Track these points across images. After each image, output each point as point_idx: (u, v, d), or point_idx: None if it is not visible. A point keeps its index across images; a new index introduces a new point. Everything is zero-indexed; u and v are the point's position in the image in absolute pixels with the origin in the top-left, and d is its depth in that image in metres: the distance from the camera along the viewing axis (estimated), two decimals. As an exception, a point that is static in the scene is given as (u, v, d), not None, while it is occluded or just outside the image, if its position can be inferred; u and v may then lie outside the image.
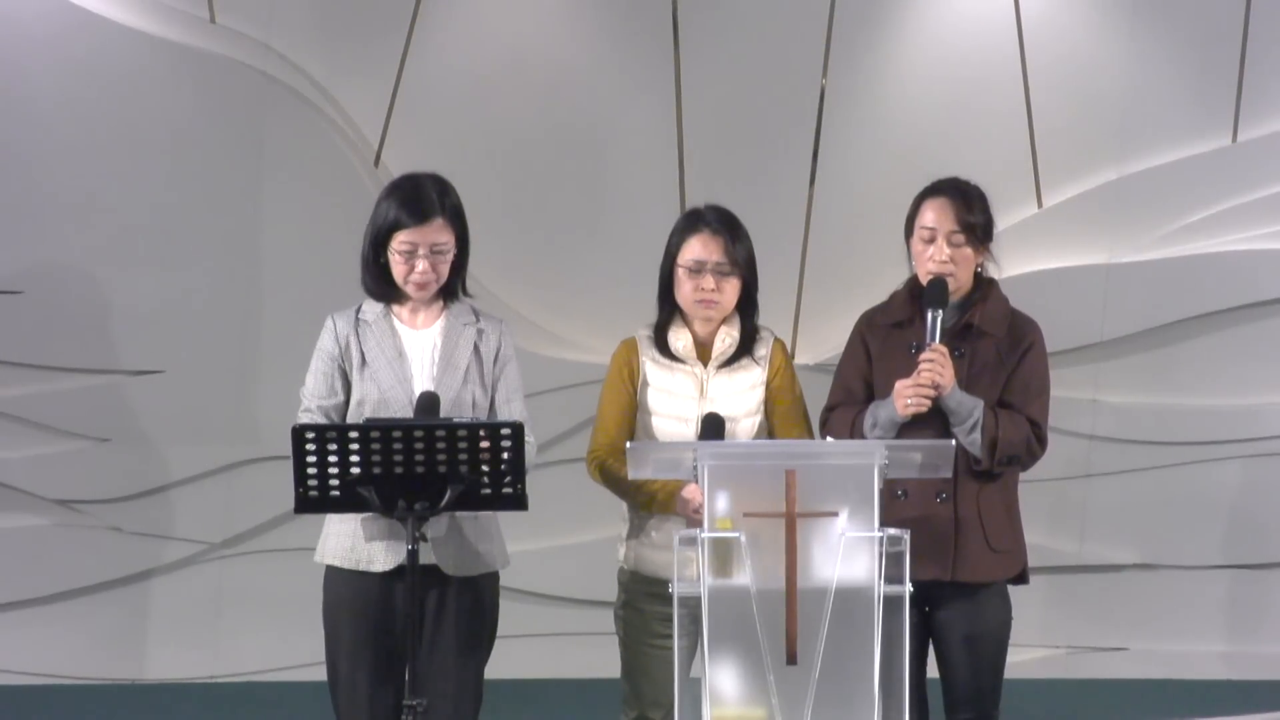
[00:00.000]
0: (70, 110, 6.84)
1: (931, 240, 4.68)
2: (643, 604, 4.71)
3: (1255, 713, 6.87)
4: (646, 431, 4.72)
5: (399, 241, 4.46)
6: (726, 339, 4.73)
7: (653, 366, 4.74)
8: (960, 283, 4.69)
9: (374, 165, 7.05)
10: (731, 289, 4.70)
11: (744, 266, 4.70)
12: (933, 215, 4.69)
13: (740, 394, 4.71)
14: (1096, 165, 7.34)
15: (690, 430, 4.64)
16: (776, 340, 4.80)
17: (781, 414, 4.73)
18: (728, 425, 4.57)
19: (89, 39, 6.83)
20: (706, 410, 4.61)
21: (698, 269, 4.68)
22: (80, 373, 6.94)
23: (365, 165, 7.04)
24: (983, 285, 4.75)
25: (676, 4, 7.19)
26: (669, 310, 4.76)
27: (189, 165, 6.92)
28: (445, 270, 4.50)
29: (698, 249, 4.69)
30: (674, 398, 4.70)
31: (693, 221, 4.74)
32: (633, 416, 4.75)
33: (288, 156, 6.98)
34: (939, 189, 4.74)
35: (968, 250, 4.69)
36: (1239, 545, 7.37)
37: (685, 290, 4.70)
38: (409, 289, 4.49)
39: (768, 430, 4.74)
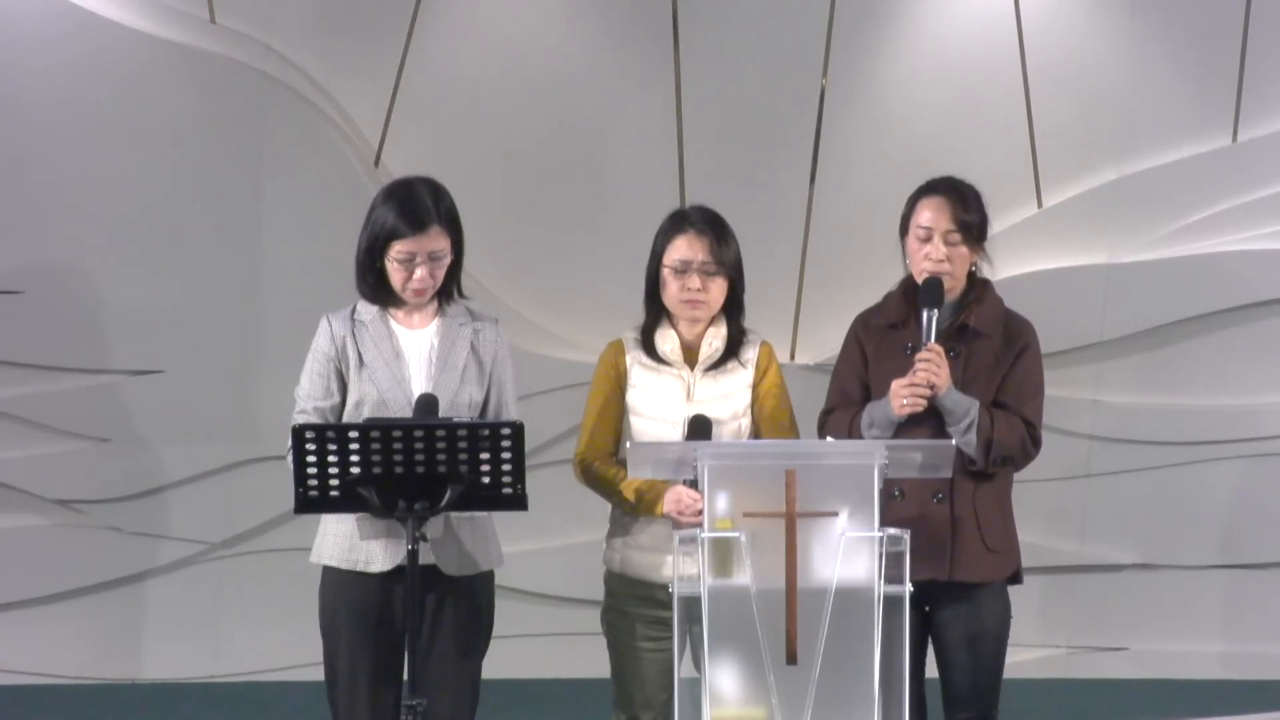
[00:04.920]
0: (70, 110, 6.85)
1: (927, 239, 4.67)
2: (629, 606, 4.70)
3: (1254, 713, 6.87)
4: (632, 434, 4.70)
5: (396, 250, 4.45)
6: (713, 342, 4.71)
7: (639, 369, 4.72)
8: (955, 281, 4.69)
9: (374, 165, 7.05)
10: (718, 289, 4.68)
11: (730, 267, 4.68)
12: (929, 214, 4.68)
13: (726, 397, 4.69)
14: (1096, 165, 7.35)
15: (677, 433, 4.62)
16: (763, 343, 4.78)
17: (767, 417, 4.71)
18: (714, 428, 4.56)
19: (89, 39, 6.83)
20: (693, 413, 4.60)
21: (683, 269, 4.66)
22: (80, 373, 6.94)
23: (365, 165, 7.04)
24: (977, 286, 4.75)
25: (676, 4, 7.19)
26: (656, 312, 4.75)
27: (189, 165, 6.93)
28: (442, 276, 4.50)
29: (683, 249, 4.67)
30: (660, 400, 4.69)
31: (678, 222, 4.72)
32: (618, 419, 4.73)
33: (288, 156, 6.98)
34: (934, 188, 4.73)
35: (963, 249, 4.68)
36: (1238, 545, 7.37)
37: (671, 291, 4.68)
38: (406, 295, 4.49)
39: (753, 433, 4.72)
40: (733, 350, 4.72)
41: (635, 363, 4.72)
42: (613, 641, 4.75)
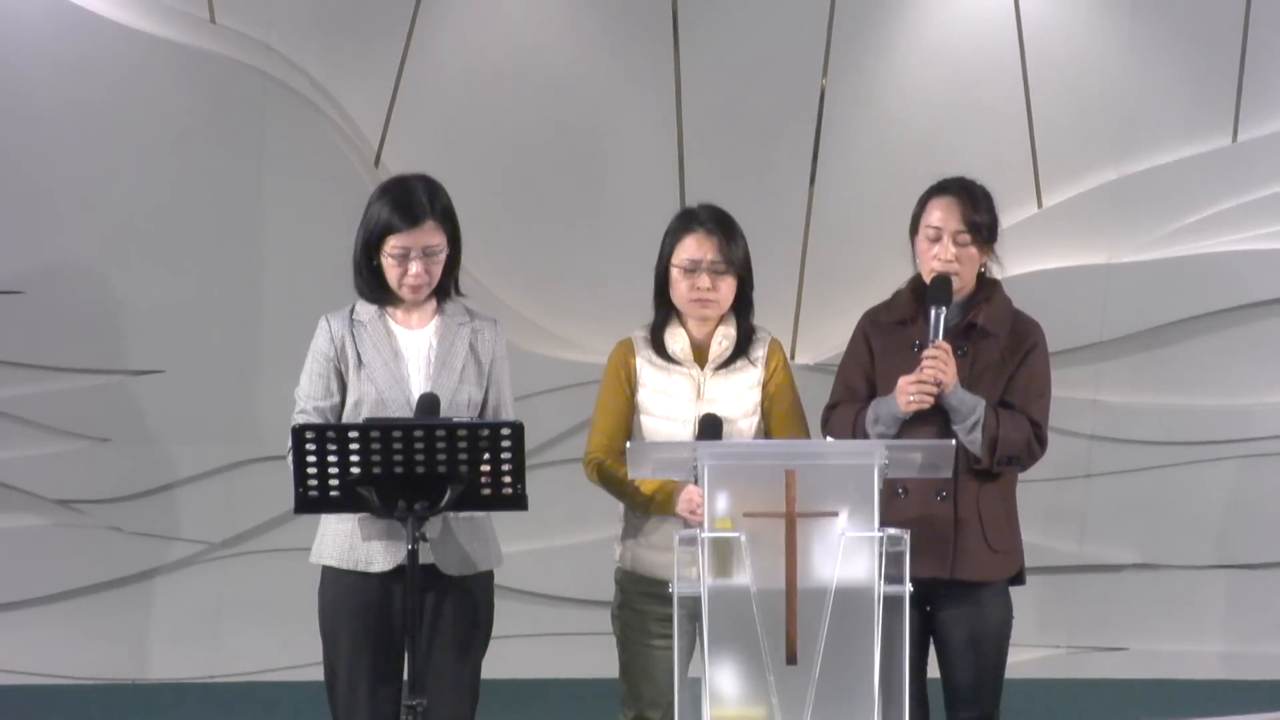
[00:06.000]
0: (70, 110, 6.84)
1: (937, 239, 4.68)
2: (640, 604, 4.71)
3: (1253, 713, 6.87)
4: (642, 433, 4.71)
5: (391, 245, 4.45)
6: (723, 341, 4.72)
7: (649, 368, 4.73)
8: (964, 282, 4.70)
9: (374, 165, 7.05)
10: (727, 288, 4.69)
11: (739, 265, 4.70)
12: (939, 214, 4.70)
13: (737, 395, 4.71)
14: (1096, 165, 7.35)
15: (687, 432, 4.64)
16: (773, 341, 4.80)
17: (778, 415, 4.73)
18: (725, 427, 4.57)
19: (89, 39, 6.82)
20: (703, 412, 4.61)
21: (693, 268, 4.67)
22: (80, 373, 6.94)
23: (365, 165, 7.04)
24: (986, 285, 4.76)
25: (676, 4, 7.20)
26: (665, 311, 4.76)
27: (189, 165, 6.93)
28: (438, 272, 4.51)
29: (692, 248, 4.69)
30: (670, 399, 4.70)
31: (686, 221, 4.74)
32: (629, 418, 4.74)
33: (288, 156, 6.97)
34: (945, 188, 4.75)
35: (973, 250, 4.69)
36: (1238, 545, 7.37)
37: (680, 290, 4.69)
38: (403, 292, 4.49)
39: (764, 431, 4.73)
40: (742, 348, 4.74)
41: (645, 362, 4.73)
42: (623, 639, 4.76)
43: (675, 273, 4.70)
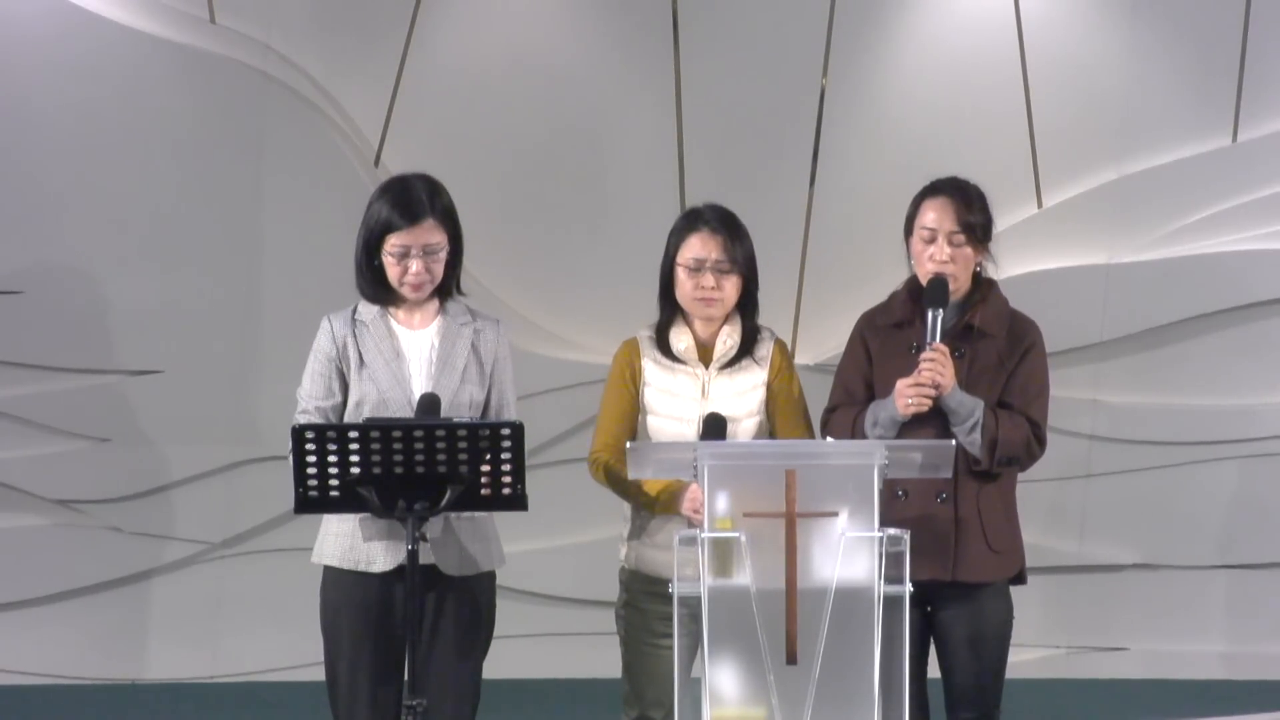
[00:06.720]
0: (70, 110, 6.85)
1: (932, 240, 4.68)
2: (644, 603, 4.71)
3: (1254, 713, 6.87)
4: (647, 432, 4.72)
5: (391, 244, 4.45)
6: (728, 340, 4.73)
7: (654, 367, 4.74)
8: (960, 282, 4.70)
9: (374, 165, 7.05)
10: (732, 286, 4.70)
11: (744, 265, 4.71)
12: (933, 215, 4.69)
13: (741, 395, 4.71)
14: (1096, 165, 7.35)
15: (691, 431, 4.64)
16: (777, 340, 4.81)
17: (782, 414, 4.73)
18: (729, 426, 4.57)
19: (89, 39, 6.83)
20: (708, 411, 4.61)
21: (697, 267, 4.68)
22: (80, 373, 6.94)
23: (365, 165, 7.05)
24: (982, 286, 4.76)
25: (676, 4, 7.20)
26: (670, 311, 4.77)
27: (189, 165, 6.93)
28: (439, 270, 4.51)
29: (697, 247, 4.69)
30: (675, 399, 4.70)
31: (692, 220, 4.75)
32: (634, 417, 4.75)
33: (288, 156, 6.98)
34: (939, 189, 4.74)
35: (968, 250, 4.69)
36: (1238, 545, 7.37)
37: (685, 289, 4.70)
38: (404, 290, 4.49)
39: (769, 430, 4.74)
40: (747, 348, 4.74)
41: (650, 361, 4.74)
42: (627, 639, 4.75)
43: (680, 272, 4.71)
